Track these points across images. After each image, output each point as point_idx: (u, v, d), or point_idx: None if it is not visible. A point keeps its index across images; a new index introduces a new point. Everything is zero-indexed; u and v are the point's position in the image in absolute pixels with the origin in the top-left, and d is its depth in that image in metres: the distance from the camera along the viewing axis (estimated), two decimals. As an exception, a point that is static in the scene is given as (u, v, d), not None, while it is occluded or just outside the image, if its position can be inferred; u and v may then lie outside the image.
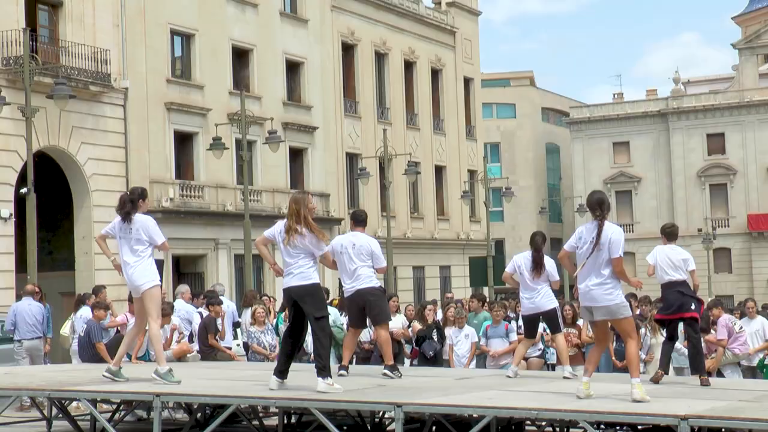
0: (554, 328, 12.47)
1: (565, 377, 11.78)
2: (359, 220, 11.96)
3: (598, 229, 9.62)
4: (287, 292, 10.28)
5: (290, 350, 10.40)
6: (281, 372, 10.16)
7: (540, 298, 12.09)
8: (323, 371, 9.94)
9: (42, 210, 27.51)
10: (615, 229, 9.68)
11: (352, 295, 11.67)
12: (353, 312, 11.98)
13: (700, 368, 11.45)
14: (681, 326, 12.22)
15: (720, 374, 15.03)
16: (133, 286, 11.02)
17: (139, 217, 11.04)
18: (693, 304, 11.49)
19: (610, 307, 9.61)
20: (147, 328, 11.22)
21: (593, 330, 10.15)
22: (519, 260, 12.20)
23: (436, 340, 16.40)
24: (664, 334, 12.52)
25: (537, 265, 12.00)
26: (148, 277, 10.95)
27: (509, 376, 11.92)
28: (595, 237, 9.59)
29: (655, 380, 11.17)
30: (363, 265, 11.56)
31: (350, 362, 12.07)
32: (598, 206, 9.74)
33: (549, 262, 12.23)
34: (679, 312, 11.51)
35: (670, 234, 11.87)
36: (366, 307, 11.76)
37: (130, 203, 11.08)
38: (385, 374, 11.55)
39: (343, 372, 11.61)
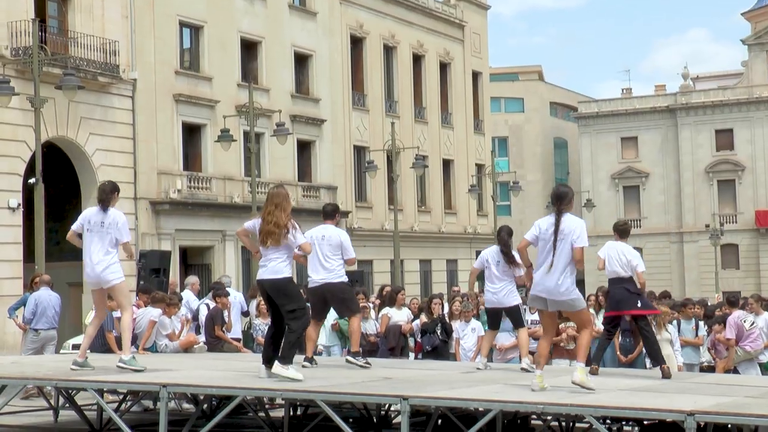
0: (517, 323, 12.51)
1: (522, 369, 11.81)
2: (327, 214, 12.06)
3: (556, 221, 9.58)
4: (260, 285, 10.41)
5: (276, 340, 10.40)
6: (268, 360, 10.20)
7: (504, 294, 12.14)
8: (284, 360, 10.01)
9: (50, 200, 27.56)
10: (576, 220, 9.65)
11: (320, 287, 11.73)
12: (317, 304, 12.00)
13: (659, 359, 11.62)
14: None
15: (735, 371, 14.97)
16: (102, 280, 11.03)
17: (113, 211, 11.06)
18: (639, 302, 11.69)
19: (566, 301, 9.60)
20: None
21: (542, 319, 10.17)
22: (486, 254, 12.28)
23: (439, 333, 16.41)
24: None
25: (509, 260, 12.02)
26: (118, 273, 11.06)
27: (479, 368, 11.95)
28: (554, 228, 9.54)
29: (593, 372, 11.12)
30: (331, 259, 11.65)
31: (314, 353, 12.16)
32: (557, 200, 9.73)
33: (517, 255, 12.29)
34: (620, 308, 11.78)
35: (623, 231, 12.18)
36: (335, 301, 11.87)
37: (110, 193, 11.08)
38: (348, 361, 11.68)
39: (306, 364, 11.57)
